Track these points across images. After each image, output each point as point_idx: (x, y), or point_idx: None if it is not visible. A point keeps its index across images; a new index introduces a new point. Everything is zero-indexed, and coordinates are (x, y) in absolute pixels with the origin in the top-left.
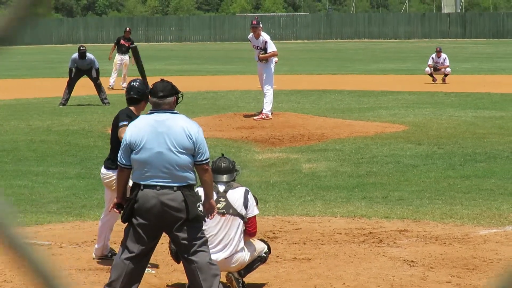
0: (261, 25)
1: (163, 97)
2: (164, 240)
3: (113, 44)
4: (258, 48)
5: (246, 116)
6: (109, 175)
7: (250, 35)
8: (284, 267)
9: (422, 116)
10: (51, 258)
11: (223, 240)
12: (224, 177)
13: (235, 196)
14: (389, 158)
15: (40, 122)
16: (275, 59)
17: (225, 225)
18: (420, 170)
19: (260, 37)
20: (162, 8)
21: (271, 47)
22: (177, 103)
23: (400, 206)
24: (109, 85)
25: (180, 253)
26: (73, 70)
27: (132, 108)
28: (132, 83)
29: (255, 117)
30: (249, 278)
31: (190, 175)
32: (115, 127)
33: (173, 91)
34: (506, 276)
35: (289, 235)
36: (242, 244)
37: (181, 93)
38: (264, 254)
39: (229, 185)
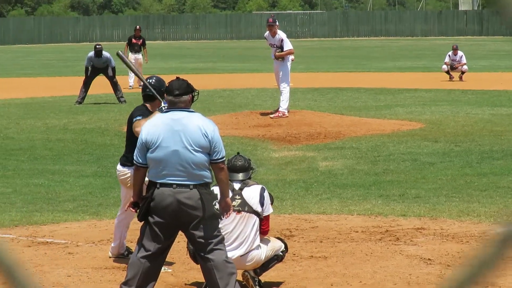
0: (277, 23)
1: (179, 95)
2: (180, 238)
3: (126, 43)
4: (275, 46)
5: (262, 114)
6: (124, 172)
7: (267, 33)
8: (301, 265)
9: (439, 113)
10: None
11: (238, 237)
12: (240, 176)
13: (251, 193)
14: (406, 156)
15: (56, 120)
16: (291, 57)
17: (241, 223)
18: (437, 168)
19: (277, 35)
20: (178, 6)
21: (288, 45)
22: (193, 101)
23: (417, 204)
24: (129, 86)
25: (196, 251)
26: (89, 68)
27: (147, 105)
28: (148, 81)
29: (271, 115)
30: (265, 277)
31: (206, 173)
32: (130, 124)
33: (189, 89)
34: (460, 274)
35: (305, 233)
36: (257, 241)
37: (197, 91)
38: (281, 253)
39: (244, 183)
